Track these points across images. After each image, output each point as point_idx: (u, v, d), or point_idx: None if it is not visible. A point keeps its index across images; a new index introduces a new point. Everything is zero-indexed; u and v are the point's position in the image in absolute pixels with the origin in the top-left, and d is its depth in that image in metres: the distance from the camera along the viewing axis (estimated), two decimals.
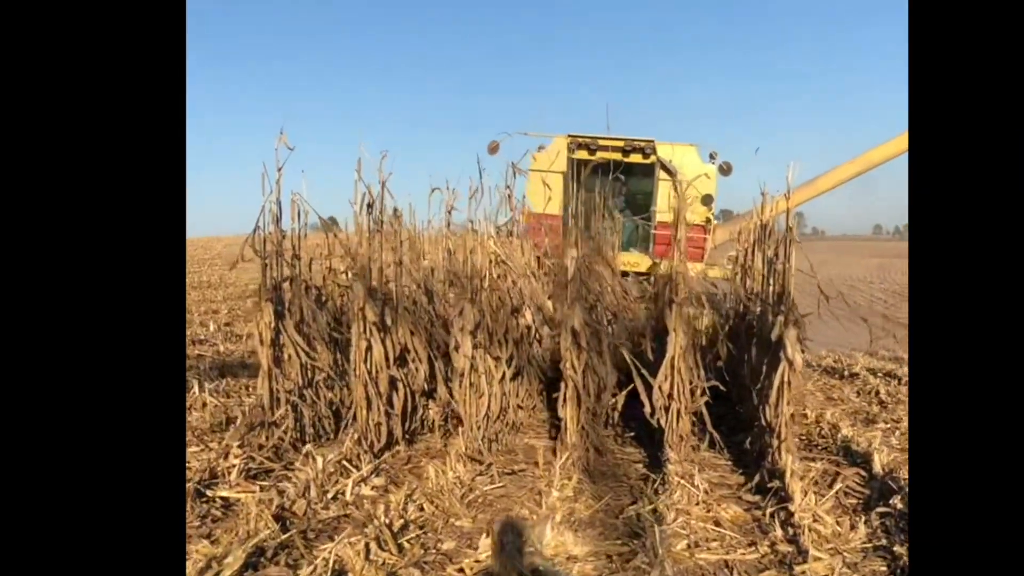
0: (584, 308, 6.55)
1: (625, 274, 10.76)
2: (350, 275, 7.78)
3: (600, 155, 12.14)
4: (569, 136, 12.46)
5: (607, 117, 13.63)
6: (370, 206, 6.84)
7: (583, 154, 12.32)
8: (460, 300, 6.88)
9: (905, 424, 8.36)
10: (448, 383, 7.34)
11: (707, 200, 12.15)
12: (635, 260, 12.01)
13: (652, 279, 10.58)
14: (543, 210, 11.25)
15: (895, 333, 14.72)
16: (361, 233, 6.81)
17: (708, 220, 12.20)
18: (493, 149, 12.10)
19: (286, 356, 6.99)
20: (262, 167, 6.65)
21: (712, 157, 12.42)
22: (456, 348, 6.80)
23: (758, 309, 7.42)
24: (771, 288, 6.86)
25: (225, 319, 16.98)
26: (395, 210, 7.32)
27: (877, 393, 10.45)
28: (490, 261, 7.46)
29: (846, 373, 12.30)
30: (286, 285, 7.04)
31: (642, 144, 12.29)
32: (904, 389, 10.68)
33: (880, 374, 12.12)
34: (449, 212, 7.97)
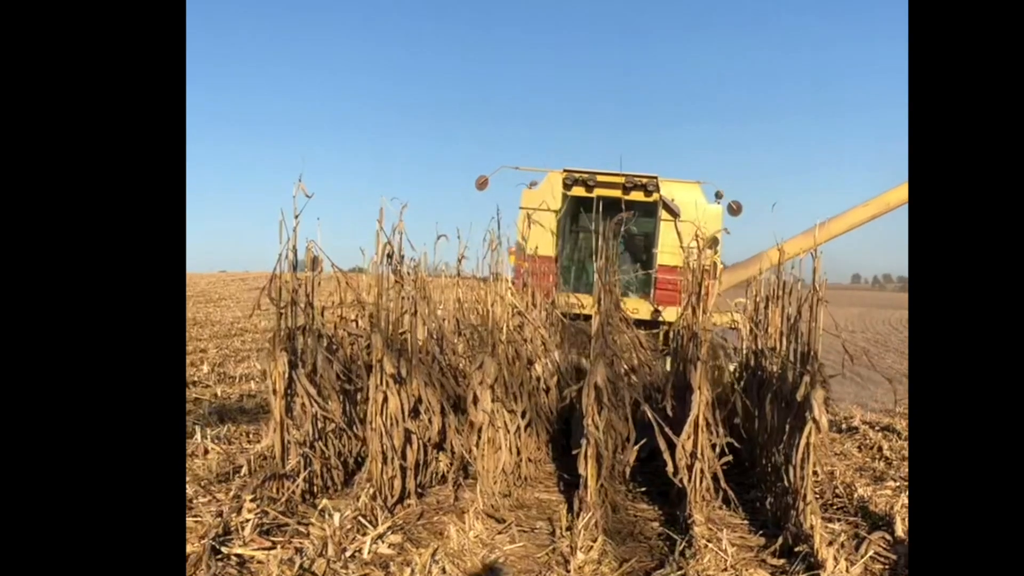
0: (606, 363, 6.45)
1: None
2: (362, 324, 7.66)
3: (598, 192, 11.49)
4: (564, 171, 11.73)
5: (620, 164, 12.51)
6: (390, 256, 6.74)
7: (580, 191, 11.69)
8: (480, 353, 6.77)
9: None
10: (459, 434, 7.22)
11: (713, 243, 11.03)
12: (635, 306, 11.26)
13: (659, 329, 10.46)
14: (535, 251, 10.70)
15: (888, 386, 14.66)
16: (380, 284, 6.70)
17: (714, 265, 11.57)
18: (482, 184, 11.66)
19: (298, 405, 6.84)
20: (280, 214, 6.58)
21: (718, 196, 11.80)
22: (475, 402, 6.68)
23: (774, 366, 7.34)
24: (792, 346, 6.79)
25: (215, 359, 16.71)
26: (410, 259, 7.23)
27: (880, 449, 10.38)
28: (508, 313, 7.36)
29: (844, 427, 12.23)
30: (299, 334, 6.91)
31: (644, 180, 11.56)
32: (907, 445, 10.63)
33: (878, 428, 12.07)
34: (460, 261, 7.90)
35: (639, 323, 10.45)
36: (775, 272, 7.52)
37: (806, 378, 6.03)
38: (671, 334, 9.98)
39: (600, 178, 11.68)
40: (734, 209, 11.58)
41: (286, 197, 6.60)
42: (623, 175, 11.71)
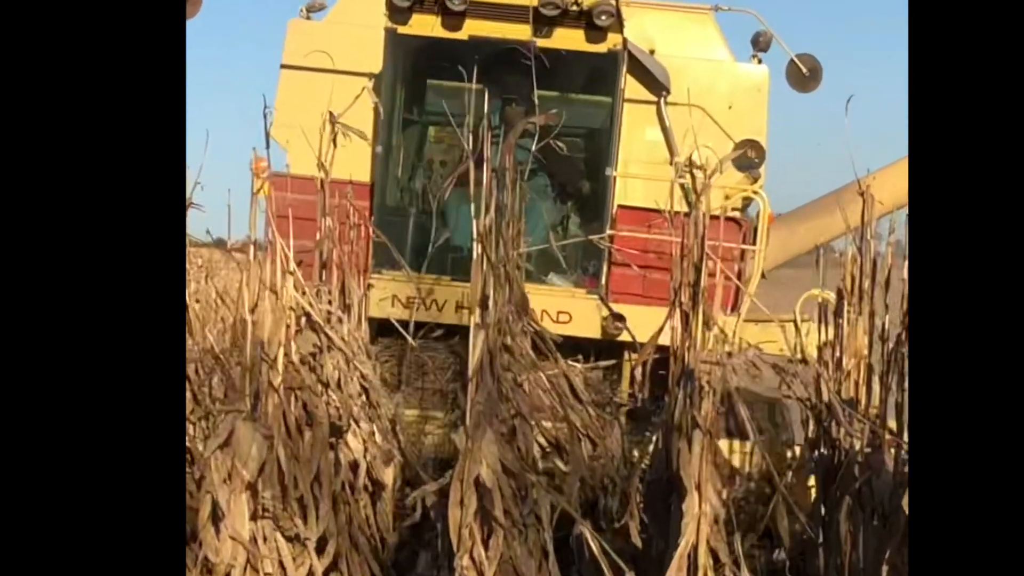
0: (499, 436, 6.47)
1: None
2: None
3: (474, 29, 10.98)
4: None
5: None
6: None
7: (427, 25, 11.09)
8: (228, 413, 6.80)
9: None
10: None
11: (748, 161, 10.86)
12: (564, 307, 11.14)
13: (617, 360, 10.28)
14: (350, 177, 10.44)
15: None
16: None
17: (748, 213, 11.18)
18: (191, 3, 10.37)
19: None
20: None
21: (759, 48, 11.35)
22: (216, 520, 6.73)
23: (854, 439, 7.63)
24: (892, 397, 7.01)
25: None
26: None
27: None
28: (288, 324, 7.33)
29: None
30: None
31: (587, 2, 10.73)
32: None
33: None
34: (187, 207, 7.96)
35: (573, 344, 10.38)
36: (855, 239, 7.76)
37: None
38: (641, 370, 9.87)
39: None
40: (802, 73, 11.10)
41: None
42: None
